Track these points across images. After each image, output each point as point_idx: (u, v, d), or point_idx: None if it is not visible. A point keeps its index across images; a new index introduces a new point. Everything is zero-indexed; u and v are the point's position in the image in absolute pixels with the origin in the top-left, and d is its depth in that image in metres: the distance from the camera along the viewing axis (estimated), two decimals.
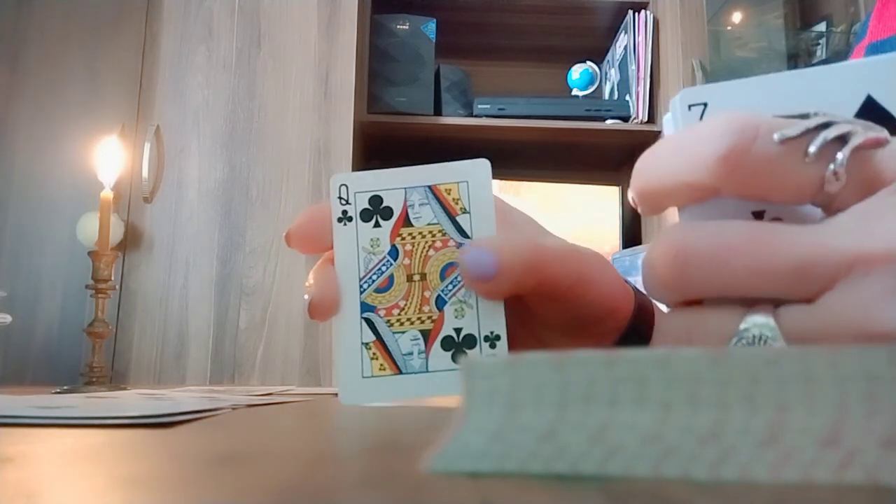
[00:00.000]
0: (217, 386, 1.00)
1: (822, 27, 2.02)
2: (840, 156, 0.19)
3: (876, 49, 0.53)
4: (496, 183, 2.05)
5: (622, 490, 0.15)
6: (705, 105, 0.22)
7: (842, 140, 0.19)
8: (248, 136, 1.76)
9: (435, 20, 1.98)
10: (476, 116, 1.96)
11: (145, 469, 0.21)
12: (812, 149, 0.19)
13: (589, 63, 2.14)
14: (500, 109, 1.96)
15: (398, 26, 1.97)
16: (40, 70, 1.75)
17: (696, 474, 0.15)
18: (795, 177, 0.19)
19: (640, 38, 1.94)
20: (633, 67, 1.95)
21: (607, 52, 2.17)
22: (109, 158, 0.88)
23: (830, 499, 0.14)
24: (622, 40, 2.04)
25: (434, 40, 1.98)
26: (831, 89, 0.22)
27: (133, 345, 1.66)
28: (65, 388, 0.79)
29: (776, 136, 0.19)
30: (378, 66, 1.95)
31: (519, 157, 2.12)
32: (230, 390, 0.71)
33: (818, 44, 2.03)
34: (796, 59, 2.08)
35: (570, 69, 2.14)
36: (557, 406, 0.17)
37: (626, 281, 0.32)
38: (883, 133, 0.19)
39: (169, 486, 0.18)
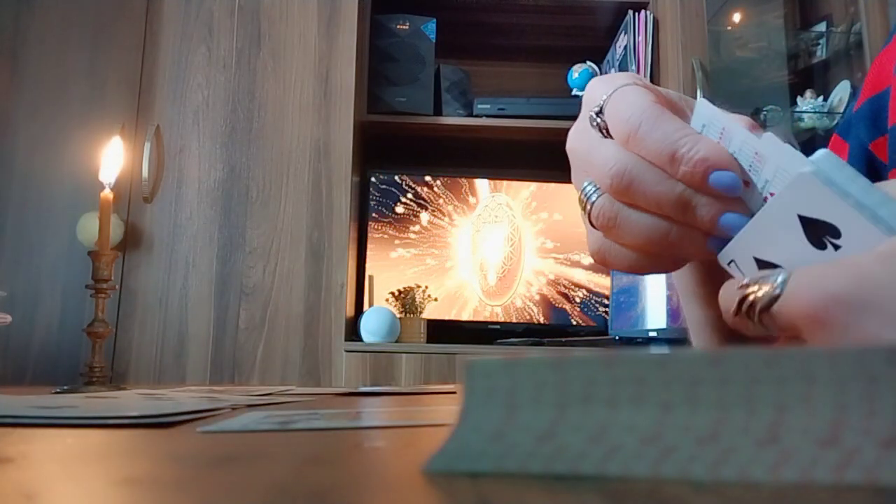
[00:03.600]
0: (217, 386, 1.00)
1: (822, 27, 2.02)
2: (750, 324, 0.25)
3: None
4: (497, 183, 2.05)
5: (621, 490, 0.15)
6: (734, 261, 0.27)
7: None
8: (248, 136, 1.76)
9: (435, 20, 1.98)
10: (476, 116, 1.96)
11: (145, 469, 0.21)
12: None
13: (589, 63, 2.14)
14: (500, 109, 1.96)
15: (398, 26, 1.97)
16: (40, 70, 1.75)
17: (696, 474, 0.15)
18: (755, 329, 0.26)
19: (640, 38, 1.94)
20: (633, 67, 1.94)
21: (607, 52, 2.17)
22: (110, 158, 0.88)
23: (830, 499, 0.14)
24: (622, 40, 2.03)
25: (434, 40, 1.97)
26: (784, 221, 0.25)
27: (133, 345, 1.66)
28: (65, 388, 0.79)
29: (730, 312, 0.26)
30: (378, 66, 1.95)
31: (519, 157, 2.12)
32: (230, 390, 0.71)
33: (818, 44, 2.03)
34: (796, 58, 2.08)
35: (570, 69, 2.14)
36: (556, 406, 0.17)
37: None
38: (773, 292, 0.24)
39: (169, 486, 0.18)
